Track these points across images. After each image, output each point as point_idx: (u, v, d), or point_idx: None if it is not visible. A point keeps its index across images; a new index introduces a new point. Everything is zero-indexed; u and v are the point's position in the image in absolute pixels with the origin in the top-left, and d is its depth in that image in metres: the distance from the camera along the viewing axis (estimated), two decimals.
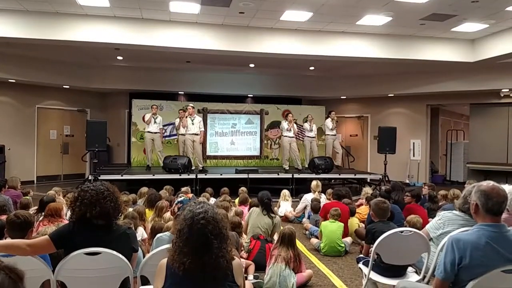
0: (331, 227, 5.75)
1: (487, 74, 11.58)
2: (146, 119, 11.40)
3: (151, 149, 11.52)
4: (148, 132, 11.35)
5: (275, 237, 5.37)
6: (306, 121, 12.60)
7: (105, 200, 2.67)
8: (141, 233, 4.59)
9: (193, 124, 10.96)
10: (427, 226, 3.39)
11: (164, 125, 11.97)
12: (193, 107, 11.31)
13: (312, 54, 9.90)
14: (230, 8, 8.21)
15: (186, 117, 11.07)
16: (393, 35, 9.99)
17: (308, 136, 12.36)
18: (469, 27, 9.22)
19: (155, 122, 11.32)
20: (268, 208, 5.33)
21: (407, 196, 6.08)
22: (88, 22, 8.70)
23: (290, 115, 11.78)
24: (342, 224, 5.89)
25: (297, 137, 12.26)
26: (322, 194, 7.91)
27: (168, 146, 12.50)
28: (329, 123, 12.52)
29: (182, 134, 11.35)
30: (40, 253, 2.63)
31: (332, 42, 9.87)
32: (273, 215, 5.37)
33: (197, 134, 11.01)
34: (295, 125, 11.81)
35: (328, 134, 12.68)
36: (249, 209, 5.87)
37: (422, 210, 5.72)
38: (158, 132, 11.46)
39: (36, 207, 6.34)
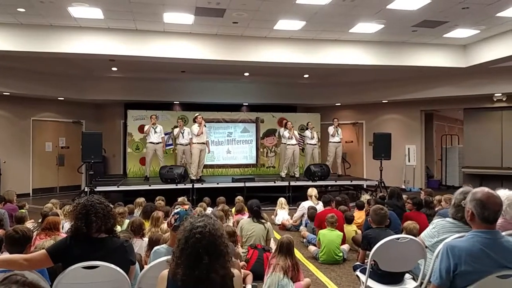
0: (330, 236, 5.75)
1: (479, 79, 11.67)
2: (145, 129, 11.37)
3: (151, 159, 11.43)
4: (150, 143, 11.28)
5: (272, 245, 5.41)
6: (307, 129, 12.66)
7: (111, 213, 2.76)
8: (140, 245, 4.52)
9: (202, 133, 10.90)
10: (422, 235, 3.41)
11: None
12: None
13: (306, 62, 9.98)
14: (223, 18, 8.27)
15: (205, 125, 10.98)
16: (386, 42, 10.09)
17: (309, 144, 12.43)
18: (461, 33, 9.33)
19: (155, 132, 11.27)
20: (258, 215, 5.52)
21: (408, 203, 6.02)
22: (82, 34, 8.75)
23: (289, 123, 11.78)
24: (341, 234, 5.89)
25: (299, 144, 12.26)
26: (320, 201, 7.91)
27: (165, 156, 12.37)
28: (331, 130, 12.51)
29: (181, 144, 11.32)
30: (37, 267, 2.63)
31: (325, 50, 9.95)
32: (263, 220, 5.54)
33: (204, 143, 11.01)
34: (295, 132, 11.77)
35: (331, 141, 12.57)
36: (249, 216, 5.91)
37: (422, 218, 5.54)
38: (160, 142, 11.42)
39: (32, 220, 6.34)
